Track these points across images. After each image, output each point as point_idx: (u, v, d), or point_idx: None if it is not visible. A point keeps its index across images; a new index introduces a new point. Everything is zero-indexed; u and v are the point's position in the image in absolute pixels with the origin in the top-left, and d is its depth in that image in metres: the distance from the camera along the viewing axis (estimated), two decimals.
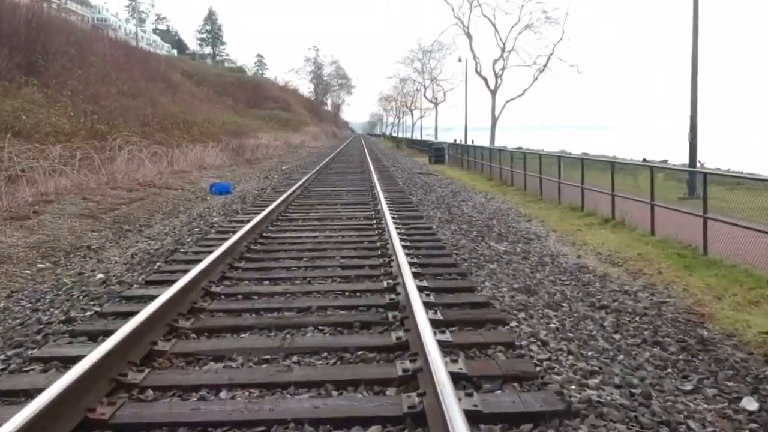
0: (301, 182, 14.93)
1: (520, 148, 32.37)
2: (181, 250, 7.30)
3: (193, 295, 4.82)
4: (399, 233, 7.27)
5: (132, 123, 23.17)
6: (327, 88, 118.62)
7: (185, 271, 5.19)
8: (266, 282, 5.67)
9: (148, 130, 23.81)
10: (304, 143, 48.28)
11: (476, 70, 48.48)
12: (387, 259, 6.35)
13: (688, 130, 14.86)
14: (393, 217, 8.66)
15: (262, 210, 9.42)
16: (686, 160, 15.34)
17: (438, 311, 4.44)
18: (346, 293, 5.20)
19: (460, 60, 47.10)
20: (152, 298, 4.39)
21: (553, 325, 4.43)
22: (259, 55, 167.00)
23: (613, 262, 7.64)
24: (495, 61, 48.30)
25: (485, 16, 48.16)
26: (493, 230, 9.36)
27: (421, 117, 68.17)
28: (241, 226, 7.74)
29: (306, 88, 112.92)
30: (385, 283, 5.39)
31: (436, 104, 64.66)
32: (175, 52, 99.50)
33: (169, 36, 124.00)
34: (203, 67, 73.30)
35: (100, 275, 6.25)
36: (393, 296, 4.93)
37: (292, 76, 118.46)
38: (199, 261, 5.59)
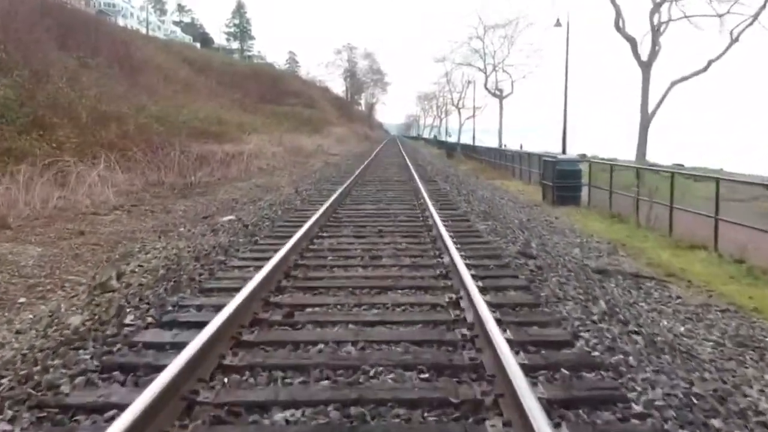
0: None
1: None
2: None
3: None
4: None
5: None
6: (360, 84, 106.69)
7: None
8: None
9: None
10: (322, 148, 36.95)
11: (617, 25, 31.50)
12: None
13: None
14: None
15: None
16: None
17: None
18: None
19: (558, 24, 27.72)
20: None
21: None
22: (290, 52, 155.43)
23: None
24: (652, 11, 31.00)
25: None
26: None
27: (473, 116, 53.64)
28: None
29: (337, 85, 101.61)
30: None
31: (500, 97, 49.51)
32: (198, 45, 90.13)
33: (193, 28, 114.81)
34: (210, 55, 62.98)
35: None
36: None
37: (321, 71, 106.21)
38: None
